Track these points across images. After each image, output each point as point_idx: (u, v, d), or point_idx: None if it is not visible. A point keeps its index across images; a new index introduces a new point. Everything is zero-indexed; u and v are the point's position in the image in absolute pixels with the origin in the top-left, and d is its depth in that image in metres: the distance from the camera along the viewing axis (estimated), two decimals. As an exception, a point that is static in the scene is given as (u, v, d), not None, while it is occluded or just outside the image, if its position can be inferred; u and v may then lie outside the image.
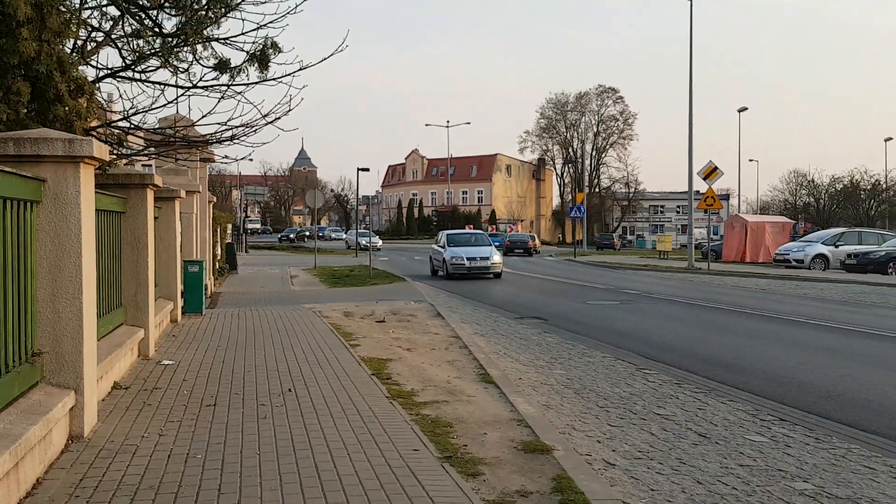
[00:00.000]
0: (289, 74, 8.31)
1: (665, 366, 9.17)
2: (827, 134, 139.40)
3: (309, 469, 4.65)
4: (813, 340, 11.32)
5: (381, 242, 54.46)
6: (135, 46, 8.05)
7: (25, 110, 6.25)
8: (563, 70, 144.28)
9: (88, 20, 7.83)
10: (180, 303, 11.97)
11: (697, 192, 33.09)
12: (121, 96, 8.64)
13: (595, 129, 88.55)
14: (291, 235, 70.31)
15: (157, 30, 8.06)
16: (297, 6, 8.11)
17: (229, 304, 15.10)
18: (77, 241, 5.08)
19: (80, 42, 7.72)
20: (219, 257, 22.58)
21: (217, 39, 8.24)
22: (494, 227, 74.04)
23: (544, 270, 31.59)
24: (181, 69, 8.20)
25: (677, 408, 7.02)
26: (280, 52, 8.21)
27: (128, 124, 8.54)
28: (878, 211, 66.29)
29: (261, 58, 8.15)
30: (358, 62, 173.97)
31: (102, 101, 8.98)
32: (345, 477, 4.52)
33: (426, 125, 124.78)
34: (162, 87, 8.30)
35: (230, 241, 29.69)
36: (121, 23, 7.95)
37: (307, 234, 67.98)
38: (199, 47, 8.17)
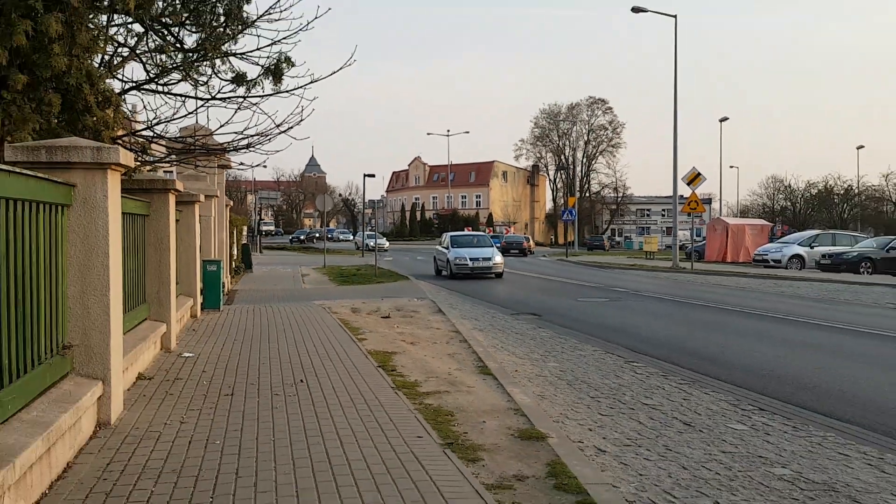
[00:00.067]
0: (301, 87, 8.30)
1: (652, 359, 9.17)
2: (803, 142, 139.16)
3: (320, 454, 4.66)
4: (790, 335, 11.31)
5: (387, 244, 54.40)
6: (158, 61, 8.06)
7: (56, 120, 6.27)
8: (556, 82, 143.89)
9: (115, 36, 7.83)
10: (200, 299, 11.98)
11: (682, 196, 33.13)
12: (145, 107, 8.72)
13: (586, 138, 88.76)
14: (302, 237, 70.21)
15: (178, 45, 8.08)
16: (308, 23, 8.11)
17: (245, 300, 15.10)
18: (105, 241, 5.09)
19: (107, 57, 7.72)
20: (235, 257, 22.59)
21: (234, 54, 8.25)
22: (491, 229, 73.88)
23: (538, 270, 31.57)
24: (201, 82, 8.20)
25: (663, 398, 7.03)
26: (293, 65, 8.21)
27: (151, 133, 8.55)
28: (851, 214, 66.29)
29: (275, 71, 8.15)
30: (365, 76, 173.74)
31: (128, 112, 8.98)
32: (353, 462, 4.53)
33: (428, 134, 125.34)
34: (183, 98, 8.31)
35: (246, 242, 29.68)
36: (145, 39, 7.96)
37: (317, 235, 67.87)
38: (218, 62, 8.17)
